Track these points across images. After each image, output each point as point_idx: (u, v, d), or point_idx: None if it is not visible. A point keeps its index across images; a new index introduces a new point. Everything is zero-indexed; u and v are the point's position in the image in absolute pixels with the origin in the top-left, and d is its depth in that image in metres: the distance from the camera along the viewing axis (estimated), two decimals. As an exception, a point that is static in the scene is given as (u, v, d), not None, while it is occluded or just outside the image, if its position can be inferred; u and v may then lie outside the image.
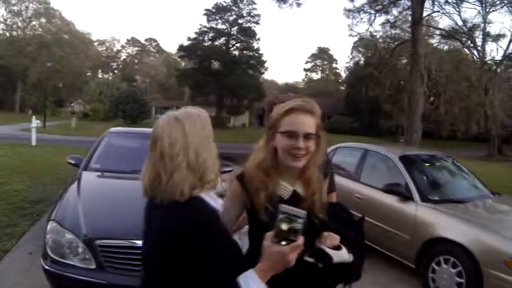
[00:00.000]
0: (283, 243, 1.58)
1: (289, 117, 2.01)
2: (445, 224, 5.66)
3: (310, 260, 1.88)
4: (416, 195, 6.23)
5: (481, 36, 36.77)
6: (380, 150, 7.65)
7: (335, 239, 1.95)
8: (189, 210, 1.69)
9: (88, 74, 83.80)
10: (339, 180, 7.69)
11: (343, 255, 1.91)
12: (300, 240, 1.59)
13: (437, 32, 36.19)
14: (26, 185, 10.71)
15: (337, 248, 1.92)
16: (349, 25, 27.57)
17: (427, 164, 7.66)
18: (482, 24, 35.38)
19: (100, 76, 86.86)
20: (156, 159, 1.74)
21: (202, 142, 1.78)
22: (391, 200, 6.45)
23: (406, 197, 6.27)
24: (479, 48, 36.86)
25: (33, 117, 24.12)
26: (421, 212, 5.99)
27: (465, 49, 39.47)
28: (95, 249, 4.03)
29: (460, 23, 33.73)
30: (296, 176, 2.09)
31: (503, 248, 4.91)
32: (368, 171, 7.46)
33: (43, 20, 70.10)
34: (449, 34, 34.04)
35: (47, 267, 4.13)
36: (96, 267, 4.00)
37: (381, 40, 42.27)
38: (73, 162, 6.77)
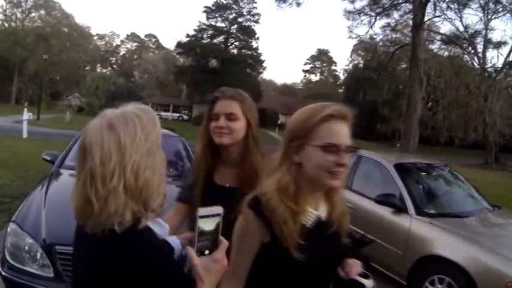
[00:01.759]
0: (207, 252, 1.38)
1: (326, 126, 1.60)
2: (441, 241, 5.26)
3: None
4: (411, 208, 5.79)
5: (482, 43, 36.60)
6: (374, 156, 7.21)
7: (359, 265, 1.67)
8: (130, 244, 1.31)
9: (86, 68, 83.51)
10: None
11: (371, 282, 1.66)
12: (222, 238, 1.41)
13: (438, 37, 35.94)
14: (9, 178, 10.38)
15: (364, 275, 1.65)
16: (348, 27, 27.29)
17: (423, 174, 7.23)
18: (484, 31, 35.20)
19: (99, 70, 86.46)
20: (85, 179, 1.32)
21: (144, 158, 1.35)
22: (383, 212, 6.00)
23: (400, 209, 5.84)
24: (479, 55, 36.67)
25: (25, 109, 23.73)
26: (415, 226, 5.57)
27: (465, 55, 39.29)
28: (53, 256, 3.69)
29: (461, 29, 33.52)
30: (318, 197, 1.71)
31: (504, 269, 4.50)
32: (360, 178, 6.99)
33: (42, 11, 69.85)
34: (450, 39, 33.74)
35: (3, 273, 3.79)
36: (54, 275, 3.65)
37: (380, 43, 42.06)
38: (49, 158, 6.45)
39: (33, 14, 70.02)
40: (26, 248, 3.81)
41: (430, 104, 44.78)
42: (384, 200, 5.97)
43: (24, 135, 21.48)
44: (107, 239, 1.30)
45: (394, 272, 5.78)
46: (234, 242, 1.64)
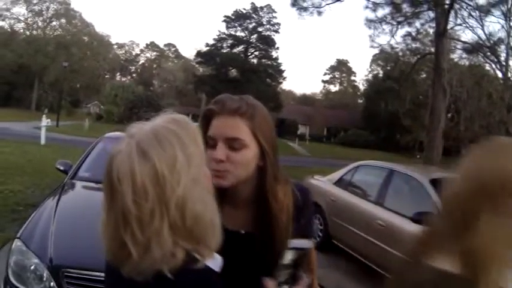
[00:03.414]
0: (285, 287, 1.34)
1: None
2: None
3: None
4: None
5: (504, 51, 35.97)
6: (407, 171, 6.77)
7: None
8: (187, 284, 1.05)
9: (106, 76, 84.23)
10: (358, 202, 7.01)
11: None
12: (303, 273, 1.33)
13: (459, 46, 35.45)
14: (24, 186, 10.22)
15: None
16: (370, 36, 26.96)
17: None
18: (507, 39, 34.60)
19: (118, 79, 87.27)
20: (117, 220, 1.02)
21: (190, 189, 1.03)
22: (419, 231, 5.54)
23: (438, 229, 5.38)
24: (503, 63, 36.05)
25: (44, 116, 23.79)
26: None
27: (487, 65, 38.67)
28: (60, 279, 3.32)
29: (483, 37, 32.99)
30: None
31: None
32: (393, 195, 6.58)
33: (63, 20, 70.62)
34: (474, 48, 33.25)
35: None
36: None
37: (400, 53, 41.72)
38: (62, 168, 6.12)
39: (54, 23, 70.86)
40: (32, 267, 3.46)
41: (449, 114, 44.21)
42: (420, 218, 5.51)
43: (43, 141, 21.45)
44: (154, 283, 1.03)
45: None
46: None
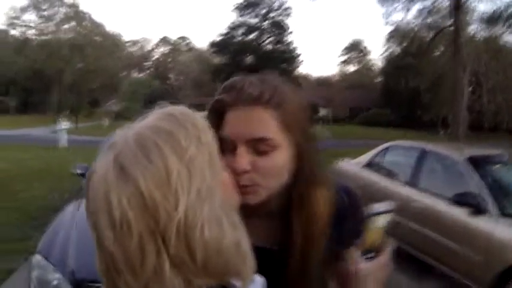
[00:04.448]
0: (371, 255, 1.16)
1: None
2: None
3: None
4: (492, 208, 4.93)
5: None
6: (441, 150, 6.47)
7: None
8: None
9: (123, 73, 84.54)
10: (392, 185, 6.71)
11: None
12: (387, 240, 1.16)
13: (475, 18, 34.81)
14: (44, 191, 10.15)
15: None
16: (383, 14, 26.72)
17: (498, 167, 6.26)
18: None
19: (135, 75, 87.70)
20: (107, 263, 0.73)
21: (195, 208, 0.71)
22: (458, 213, 5.20)
23: (480, 210, 4.99)
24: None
25: (62, 118, 23.86)
26: (500, 229, 4.69)
27: (503, 36, 37.90)
28: None
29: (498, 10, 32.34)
30: None
31: None
32: (428, 176, 6.27)
33: (74, 23, 70.92)
34: (492, 18, 32.58)
35: None
36: None
37: (416, 29, 41.16)
38: (80, 172, 5.86)
39: (65, 26, 71.13)
40: (55, 282, 3.22)
41: (471, 87, 43.42)
42: (461, 199, 5.19)
43: (61, 144, 21.50)
44: None
45: (473, 279, 4.96)
46: None
